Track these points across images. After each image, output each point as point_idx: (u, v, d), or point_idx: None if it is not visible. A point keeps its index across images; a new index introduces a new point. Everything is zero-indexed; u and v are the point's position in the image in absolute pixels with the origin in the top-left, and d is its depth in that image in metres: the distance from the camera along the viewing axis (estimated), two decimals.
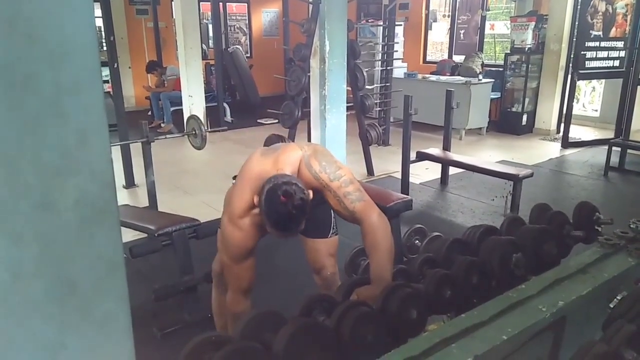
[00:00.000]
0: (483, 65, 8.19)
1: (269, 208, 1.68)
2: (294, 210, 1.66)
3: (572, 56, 7.02)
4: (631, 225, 1.74)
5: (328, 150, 2.04)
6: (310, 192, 1.79)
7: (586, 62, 6.53)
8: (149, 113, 8.42)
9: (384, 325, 1.33)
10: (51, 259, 0.59)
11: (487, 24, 8.87)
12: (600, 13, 6.44)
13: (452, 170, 5.37)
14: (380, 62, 6.94)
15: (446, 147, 5.25)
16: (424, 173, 5.54)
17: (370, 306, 1.35)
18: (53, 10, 0.53)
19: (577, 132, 7.40)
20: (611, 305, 1.34)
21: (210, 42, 9.87)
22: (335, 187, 1.85)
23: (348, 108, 4.95)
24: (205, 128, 4.24)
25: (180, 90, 7.43)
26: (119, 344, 0.67)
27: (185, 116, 6.61)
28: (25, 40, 0.52)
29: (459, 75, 8.09)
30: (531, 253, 1.64)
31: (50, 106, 0.56)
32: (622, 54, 6.57)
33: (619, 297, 1.35)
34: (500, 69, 7.90)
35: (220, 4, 9.25)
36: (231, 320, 2.08)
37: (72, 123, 0.57)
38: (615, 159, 5.71)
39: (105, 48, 5.18)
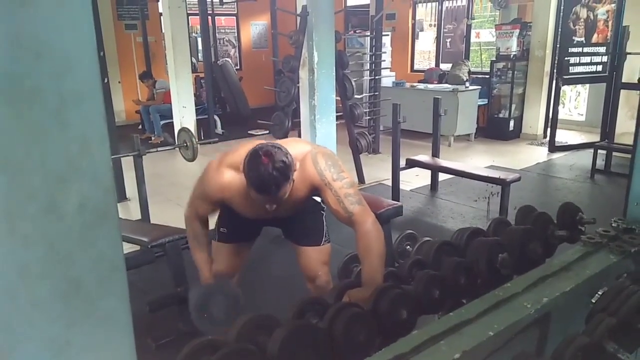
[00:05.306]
0: (470, 72, 8.31)
1: (250, 166, 1.74)
2: (274, 171, 1.70)
3: (556, 62, 7.15)
4: (613, 224, 1.79)
5: (334, 153, 2.09)
6: (298, 164, 1.86)
7: (570, 67, 6.66)
8: (140, 127, 8.44)
9: (375, 325, 1.36)
10: (56, 260, 0.63)
11: (473, 32, 9.01)
12: (582, 20, 6.58)
13: (442, 177, 5.44)
14: (368, 72, 7.02)
15: (435, 153, 5.32)
16: (414, 180, 5.61)
17: (362, 307, 1.39)
18: (57, 27, 0.57)
19: (564, 136, 7.52)
20: (593, 300, 1.39)
21: (200, 55, 9.93)
22: (338, 187, 1.89)
23: (337, 117, 5.01)
24: (197, 140, 4.27)
25: (170, 103, 7.47)
26: (120, 341, 0.71)
27: (176, 129, 6.64)
28: (32, 56, 0.56)
29: (446, 83, 8.20)
30: (517, 253, 1.69)
31: (55, 117, 0.60)
32: (605, 59, 6.71)
33: (600, 293, 1.39)
34: (487, 76, 8.02)
35: (209, 17, 9.32)
36: (188, 232, 2.17)
37: (75, 132, 0.61)
38: (601, 162, 5.81)
39: None
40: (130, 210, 4.84)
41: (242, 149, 1.95)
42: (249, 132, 8.50)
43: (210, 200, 2.04)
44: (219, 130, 8.36)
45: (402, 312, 1.41)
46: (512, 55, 7.45)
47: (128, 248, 3.39)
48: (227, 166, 1.95)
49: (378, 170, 6.09)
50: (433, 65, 9.49)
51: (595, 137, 6.85)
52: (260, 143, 1.83)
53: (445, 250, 1.78)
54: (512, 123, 7.69)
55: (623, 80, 6.35)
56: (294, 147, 1.95)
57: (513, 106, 7.62)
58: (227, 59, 10.00)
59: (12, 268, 0.60)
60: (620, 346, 1.19)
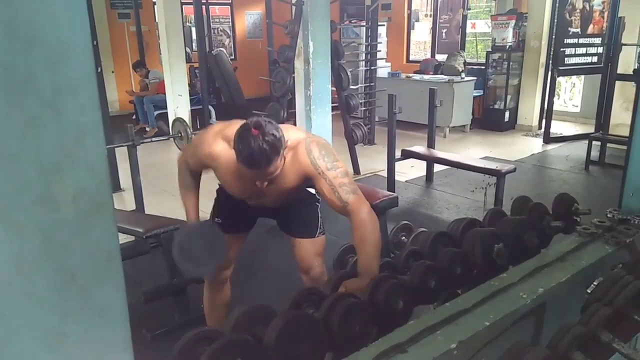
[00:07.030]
0: (465, 63, 8.29)
1: (240, 139, 1.70)
2: (263, 144, 1.67)
3: (551, 53, 7.14)
4: (608, 215, 1.80)
5: (329, 143, 2.07)
6: (289, 142, 1.83)
7: (565, 58, 6.66)
8: (133, 117, 8.39)
9: (371, 315, 1.37)
10: (52, 250, 0.62)
11: (469, 23, 8.99)
12: (578, 10, 6.57)
13: (437, 168, 5.45)
14: (364, 62, 7.00)
15: (431, 144, 5.32)
16: (410, 171, 5.61)
17: (358, 297, 1.39)
18: (51, 15, 0.56)
19: (559, 128, 7.54)
20: (588, 291, 1.40)
21: (194, 45, 9.85)
22: (332, 176, 1.87)
23: (333, 108, 4.99)
24: (191, 130, 4.25)
25: (163, 94, 7.41)
26: (116, 331, 0.70)
27: (170, 119, 6.61)
28: (25, 44, 0.55)
29: (442, 74, 8.18)
30: (512, 243, 1.69)
31: (49, 106, 0.59)
32: (600, 50, 6.71)
33: (595, 283, 1.40)
34: (482, 67, 8.01)
35: (203, 6, 9.24)
36: (179, 170, 2.17)
37: (69, 122, 0.61)
38: (595, 153, 5.83)
39: None
40: (125, 201, 4.82)
41: (237, 123, 1.93)
42: None
43: (198, 161, 2.04)
44: (214, 120, 8.30)
45: (398, 302, 1.42)
46: (507, 46, 7.43)
47: (123, 239, 3.38)
48: (222, 137, 1.92)
49: (373, 161, 6.08)
50: (429, 56, 9.46)
51: (589, 129, 6.86)
52: (250, 119, 1.80)
53: (441, 240, 1.79)
54: (507, 114, 7.69)
55: (618, 72, 6.36)
56: (289, 133, 1.92)
57: (508, 97, 7.62)
58: (221, 48, 9.92)
59: (7, 259, 0.59)
60: (616, 336, 1.19)
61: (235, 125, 1.91)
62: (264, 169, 1.73)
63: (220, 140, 1.93)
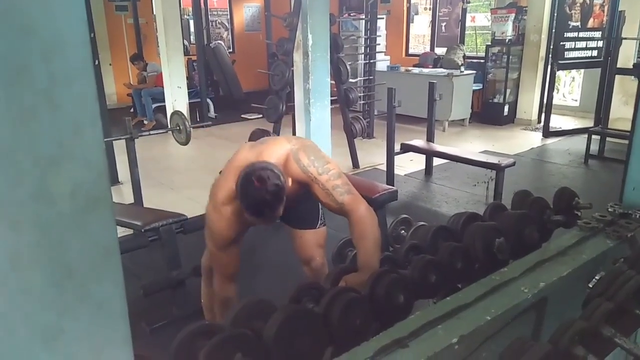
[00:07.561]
0: (465, 57, 8.26)
1: (243, 192, 1.72)
2: (267, 195, 1.68)
3: (551, 47, 7.12)
4: (609, 209, 1.79)
5: (316, 144, 2.07)
6: (290, 180, 1.84)
7: (565, 52, 6.64)
8: (131, 110, 8.36)
9: (371, 310, 1.36)
10: (48, 246, 0.60)
11: (468, 16, 8.95)
12: (578, 4, 6.54)
13: (436, 161, 5.44)
14: (363, 56, 6.97)
15: (430, 138, 5.31)
16: (409, 164, 5.60)
17: (358, 292, 1.38)
18: (47, 4, 0.55)
19: (558, 122, 7.53)
20: (590, 285, 1.39)
21: (192, 37, 9.80)
22: (324, 180, 1.88)
23: (332, 102, 4.97)
24: (189, 124, 4.23)
25: (161, 86, 7.38)
26: (115, 327, 0.69)
27: (168, 112, 6.58)
28: (20, 34, 0.53)
29: (441, 67, 8.16)
30: (513, 237, 1.68)
31: (45, 98, 0.57)
32: (600, 44, 6.69)
33: (597, 277, 1.39)
34: (482, 61, 7.99)
35: None
36: (219, 304, 2.12)
37: (66, 114, 0.59)
38: (595, 147, 5.83)
39: None
40: (123, 194, 4.81)
41: (224, 181, 1.91)
42: (242, 115, 8.43)
43: (230, 240, 1.97)
44: (212, 113, 8.29)
45: (399, 297, 1.41)
46: (507, 40, 7.41)
47: (121, 232, 3.37)
48: (221, 205, 1.91)
49: (372, 155, 6.07)
50: (428, 49, 9.42)
51: (589, 123, 6.85)
52: (251, 164, 1.79)
53: (442, 234, 1.78)
54: (506, 108, 7.68)
55: (618, 66, 6.34)
56: (274, 150, 1.93)
57: (508, 91, 7.61)
58: (219, 41, 9.87)
59: (3, 255, 0.58)
60: (617, 330, 1.19)
61: (222, 185, 1.90)
62: (269, 218, 1.78)
63: (223, 208, 1.91)
